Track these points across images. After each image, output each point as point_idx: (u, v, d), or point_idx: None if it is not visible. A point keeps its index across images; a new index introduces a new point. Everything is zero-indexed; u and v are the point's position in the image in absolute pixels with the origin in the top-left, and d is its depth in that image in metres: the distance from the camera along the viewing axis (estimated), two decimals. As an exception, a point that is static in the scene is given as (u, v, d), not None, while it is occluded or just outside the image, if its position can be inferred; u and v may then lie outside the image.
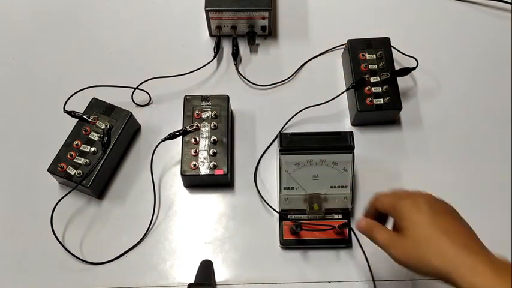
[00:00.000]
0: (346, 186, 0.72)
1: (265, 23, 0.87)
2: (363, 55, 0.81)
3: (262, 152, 0.80)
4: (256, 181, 0.78)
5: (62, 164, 0.73)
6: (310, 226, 0.72)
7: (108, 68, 0.88)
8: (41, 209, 0.74)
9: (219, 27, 0.87)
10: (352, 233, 0.71)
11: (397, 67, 0.81)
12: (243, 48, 0.89)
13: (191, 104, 0.78)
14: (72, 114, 0.76)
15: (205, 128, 0.76)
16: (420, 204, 0.54)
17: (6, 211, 0.77)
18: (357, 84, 0.79)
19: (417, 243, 0.52)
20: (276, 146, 0.78)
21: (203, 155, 0.74)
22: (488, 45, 0.90)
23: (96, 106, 0.78)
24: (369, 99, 0.78)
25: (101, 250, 0.73)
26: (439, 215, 0.53)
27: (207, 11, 0.84)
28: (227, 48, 0.89)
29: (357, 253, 0.72)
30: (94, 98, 0.78)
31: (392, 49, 0.82)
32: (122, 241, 0.74)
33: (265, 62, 0.89)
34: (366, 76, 0.79)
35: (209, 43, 0.90)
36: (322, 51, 0.89)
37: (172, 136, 0.75)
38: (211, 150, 0.74)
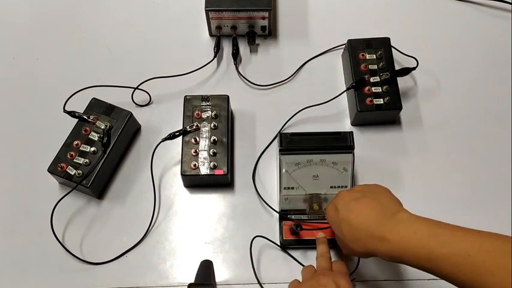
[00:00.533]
0: (346, 186, 0.72)
1: (265, 23, 0.87)
2: (363, 55, 0.81)
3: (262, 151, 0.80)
4: (255, 181, 0.78)
5: (62, 164, 0.73)
6: (311, 225, 0.72)
7: (108, 68, 0.88)
8: (41, 209, 0.74)
9: (219, 27, 0.87)
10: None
11: (397, 67, 0.81)
12: (243, 48, 0.89)
13: (191, 104, 0.78)
14: (72, 114, 0.76)
15: (205, 128, 0.76)
16: (335, 206, 0.62)
17: (6, 211, 0.77)
18: (357, 84, 0.79)
19: (344, 241, 0.60)
20: (275, 146, 0.78)
21: (203, 155, 0.74)
22: (488, 45, 0.90)
23: (96, 106, 0.78)
24: (369, 99, 0.78)
25: (101, 250, 0.73)
26: (346, 209, 0.60)
27: (207, 11, 0.84)
28: (227, 48, 0.89)
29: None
30: (94, 98, 0.78)
31: (392, 49, 0.82)
32: (122, 241, 0.74)
33: (265, 62, 0.89)
34: (366, 76, 0.79)
35: (209, 43, 0.90)
36: (322, 51, 0.89)
37: (172, 136, 0.75)
38: (211, 150, 0.74)
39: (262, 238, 0.73)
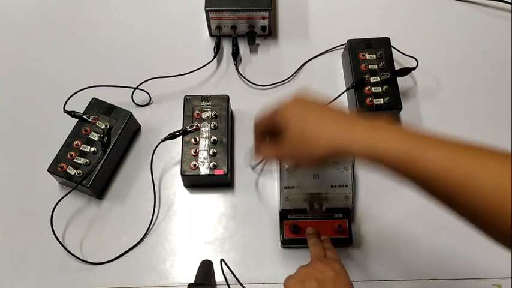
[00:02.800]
0: (346, 186, 0.72)
1: (265, 23, 0.87)
2: (363, 55, 0.81)
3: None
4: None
5: (62, 164, 0.73)
6: (311, 224, 0.72)
7: (108, 68, 0.88)
8: (41, 209, 0.74)
9: (219, 27, 0.87)
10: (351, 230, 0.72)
11: (397, 67, 0.81)
12: (243, 48, 0.89)
13: (191, 104, 0.78)
14: (72, 114, 0.76)
15: (205, 128, 0.76)
16: (292, 107, 0.58)
17: (6, 211, 0.76)
18: (357, 84, 0.79)
19: (301, 137, 0.55)
20: (276, 146, 0.78)
21: (203, 155, 0.74)
22: (488, 45, 0.90)
23: (96, 106, 0.78)
24: (369, 99, 0.78)
25: (101, 250, 0.73)
26: (309, 107, 0.57)
27: (207, 11, 0.84)
28: (227, 48, 0.89)
29: (357, 252, 0.72)
30: (94, 98, 0.78)
31: (392, 49, 0.82)
32: (122, 241, 0.74)
33: (265, 62, 0.89)
34: (366, 76, 0.79)
35: (209, 43, 0.90)
36: (322, 51, 0.89)
37: (172, 136, 0.75)
38: (211, 150, 0.74)
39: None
